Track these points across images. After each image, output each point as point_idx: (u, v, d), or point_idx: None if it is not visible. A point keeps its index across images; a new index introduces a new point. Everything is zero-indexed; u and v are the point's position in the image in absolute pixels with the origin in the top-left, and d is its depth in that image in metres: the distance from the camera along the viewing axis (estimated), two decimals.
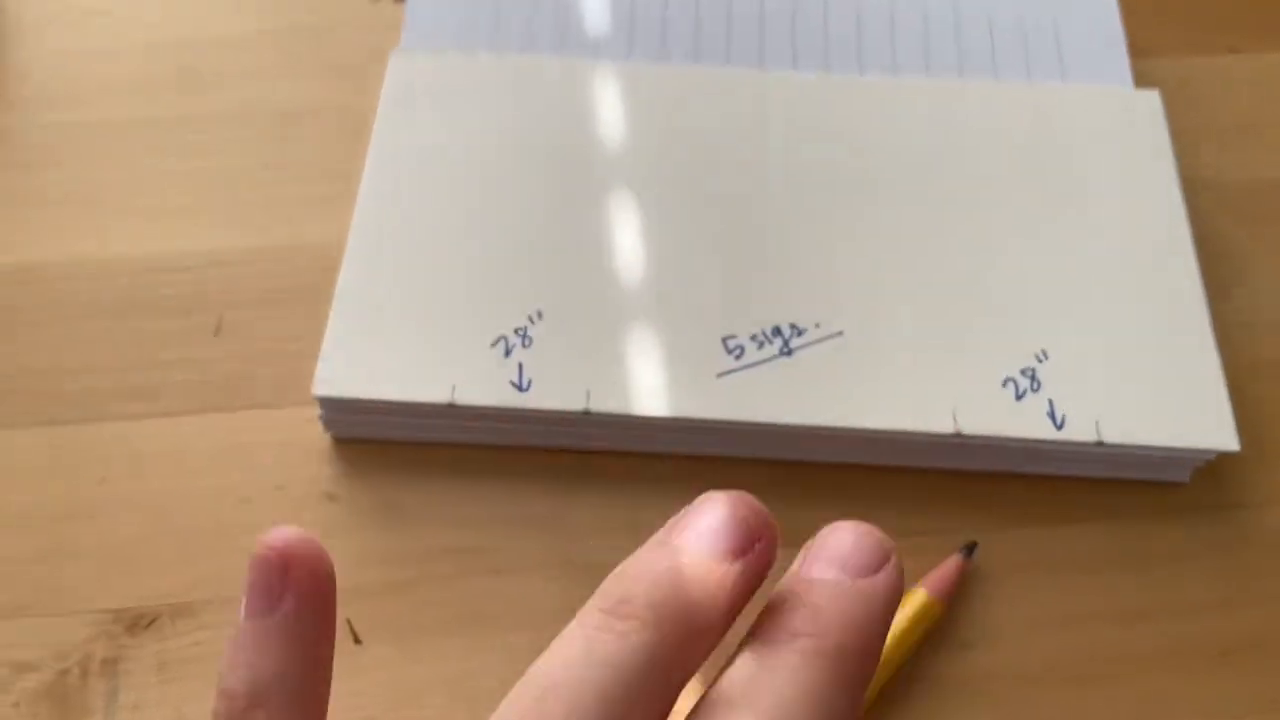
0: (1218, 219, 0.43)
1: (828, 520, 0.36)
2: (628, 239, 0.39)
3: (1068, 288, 0.38)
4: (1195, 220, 0.40)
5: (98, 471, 0.37)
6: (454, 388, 0.36)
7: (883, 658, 0.32)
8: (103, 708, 0.33)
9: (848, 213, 0.40)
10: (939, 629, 0.35)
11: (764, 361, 0.37)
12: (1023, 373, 0.36)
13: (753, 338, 0.37)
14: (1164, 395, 0.36)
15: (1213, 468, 0.37)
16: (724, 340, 0.37)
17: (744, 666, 0.20)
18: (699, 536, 0.21)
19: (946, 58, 0.44)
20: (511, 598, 0.35)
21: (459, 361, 0.36)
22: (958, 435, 0.35)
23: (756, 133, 0.41)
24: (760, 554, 0.21)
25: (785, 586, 0.21)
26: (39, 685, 0.33)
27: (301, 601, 0.21)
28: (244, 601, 0.21)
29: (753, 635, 0.20)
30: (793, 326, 0.37)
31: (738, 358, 0.37)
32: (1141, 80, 0.44)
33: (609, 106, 0.42)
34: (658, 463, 0.37)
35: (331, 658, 0.22)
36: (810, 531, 0.36)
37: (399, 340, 0.37)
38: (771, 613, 0.20)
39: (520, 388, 0.36)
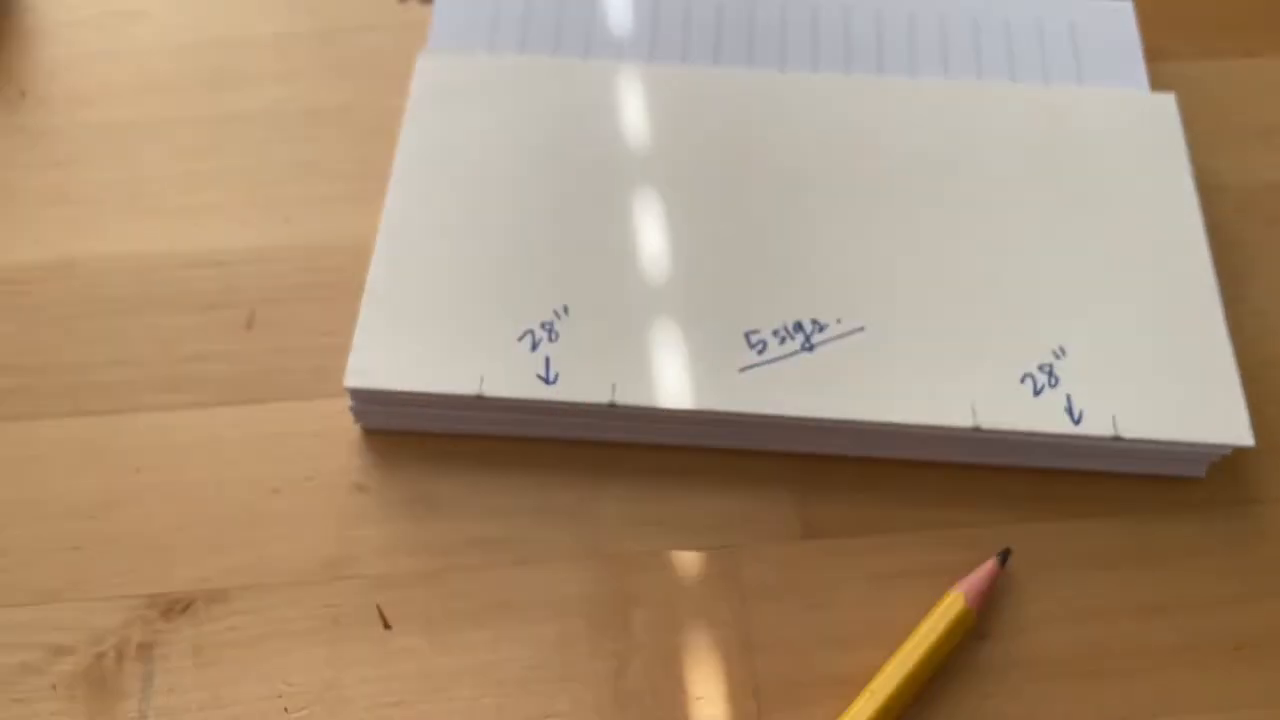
0: (1232, 220, 0.43)
1: (848, 513, 0.37)
2: (651, 236, 0.40)
3: (1085, 286, 0.39)
4: (1210, 221, 0.41)
5: (133, 461, 0.37)
6: (482, 380, 0.37)
7: (919, 661, 0.33)
8: (139, 691, 0.34)
9: (868, 211, 0.40)
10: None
11: (786, 356, 0.37)
12: (1040, 369, 0.37)
13: (775, 333, 0.38)
14: (1180, 391, 0.37)
15: (1228, 463, 0.37)
16: (746, 335, 0.38)
17: None
18: None
19: (964, 61, 0.45)
20: (538, 588, 0.36)
21: (487, 354, 0.37)
22: (976, 429, 0.36)
23: (777, 133, 0.42)
24: None
25: None
26: (75, 668, 0.34)
27: None
28: None
29: None
30: (814, 322, 0.38)
31: (760, 352, 0.37)
32: (1157, 83, 0.45)
33: (632, 107, 0.43)
34: (681, 455, 0.38)
35: None
36: (830, 525, 0.36)
37: (428, 333, 0.37)
38: None
39: (547, 380, 0.37)
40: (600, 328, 0.38)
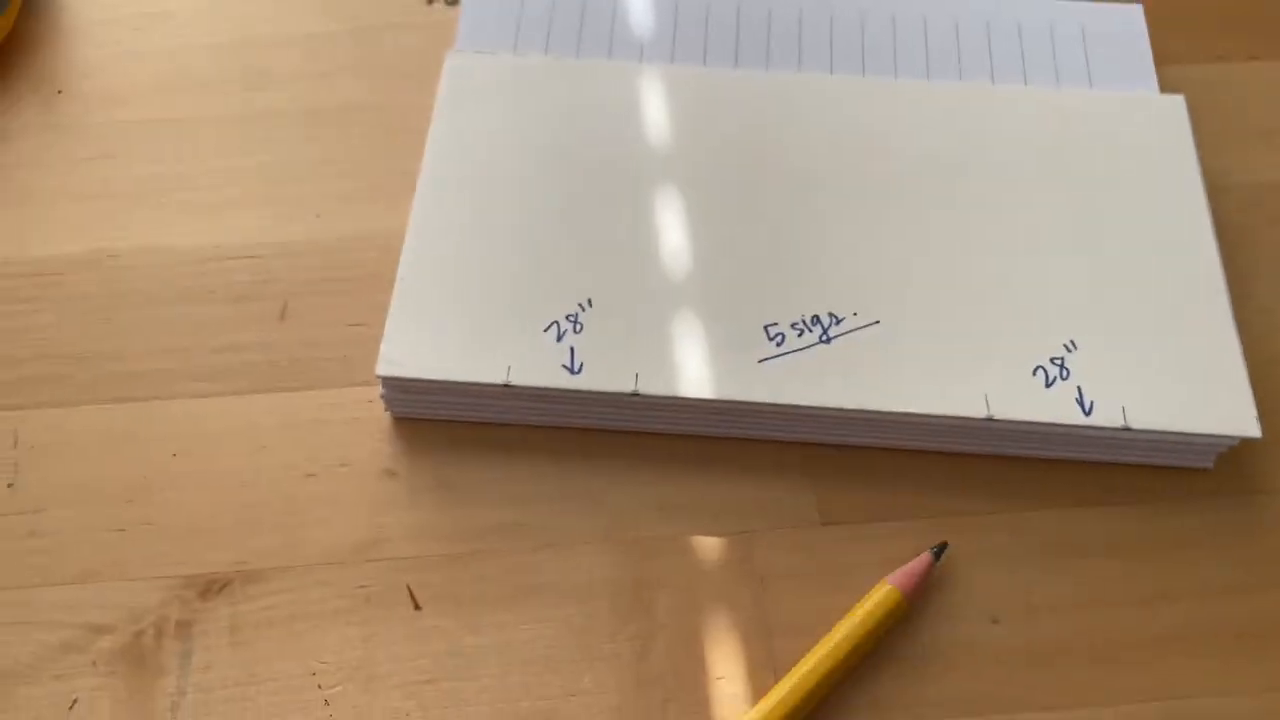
0: (1239, 219, 0.44)
1: (863, 501, 0.38)
2: (673, 232, 0.41)
3: (1096, 282, 0.40)
4: (1217, 220, 0.42)
5: (170, 447, 0.39)
6: (509, 369, 0.38)
7: (846, 642, 0.34)
8: (176, 668, 0.35)
9: (884, 208, 0.41)
10: (905, 622, 0.36)
11: (804, 348, 0.38)
12: (1052, 361, 0.38)
13: (793, 326, 0.39)
14: (1188, 384, 0.38)
15: (1235, 454, 0.39)
16: (765, 328, 0.39)
17: None
18: None
19: (977, 63, 0.46)
20: (563, 571, 0.37)
21: (514, 345, 0.38)
22: (990, 419, 0.37)
23: (795, 133, 0.43)
24: None
25: None
26: (115, 646, 0.35)
27: None
28: None
29: None
30: (831, 315, 0.39)
31: (779, 344, 0.39)
32: (1166, 86, 0.46)
33: (654, 107, 0.44)
34: (702, 444, 0.39)
35: None
36: (845, 512, 0.37)
37: (457, 325, 0.39)
38: None
39: (572, 370, 0.38)
40: (623, 320, 0.39)
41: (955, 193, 0.42)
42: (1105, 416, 0.37)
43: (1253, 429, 0.37)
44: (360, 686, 0.35)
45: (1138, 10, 0.48)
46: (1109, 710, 0.35)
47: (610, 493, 0.38)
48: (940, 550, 0.37)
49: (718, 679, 0.35)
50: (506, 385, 0.37)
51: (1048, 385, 0.38)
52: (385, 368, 0.38)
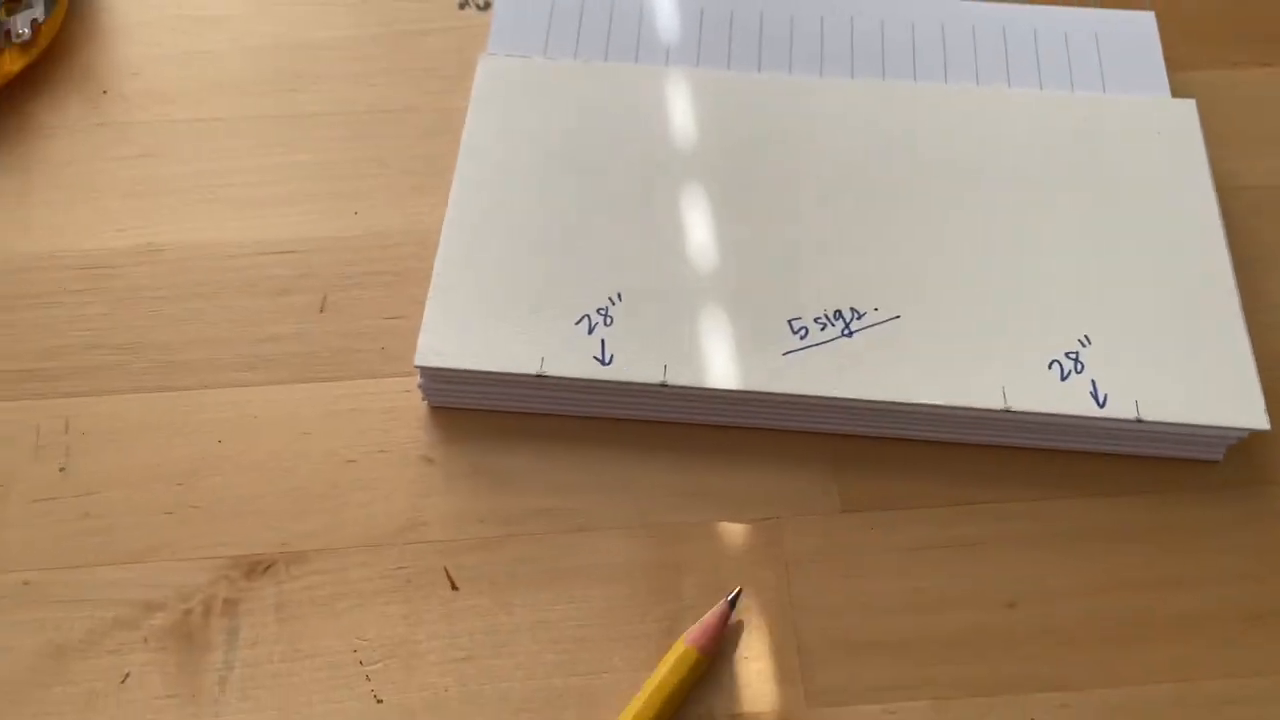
0: (1249, 220, 0.45)
1: (884, 489, 0.39)
2: (700, 228, 0.42)
3: (1109, 278, 0.41)
4: (1227, 221, 0.43)
5: (216, 433, 0.40)
6: (542, 360, 0.39)
7: (650, 707, 0.34)
8: (224, 644, 0.36)
9: (904, 207, 0.43)
10: (706, 677, 0.36)
11: (826, 342, 0.40)
12: (1067, 355, 0.39)
13: (816, 320, 0.40)
14: (1199, 378, 0.39)
15: (1245, 446, 0.40)
16: (789, 322, 0.40)
17: None
18: None
19: (995, 68, 0.48)
20: (594, 554, 0.38)
21: (547, 337, 0.40)
22: (1007, 411, 0.38)
23: (817, 134, 0.45)
24: None
25: None
26: (165, 623, 0.37)
27: None
28: None
29: None
30: (853, 310, 0.40)
31: (802, 338, 0.40)
32: (1178, 91, 0.47)
33: (680, 108, 0.45)
34: (728, 434, 0.40)
35: None
36: (867, 500, 0.39)
37: (492, 317, 0.40)
38: None
39: (603, 361, 0.39)
40: (652, 314, 0.40)
41: (973, 192, 0.43)
42: (1119, 409, 0.38)
43: (1261, 422, 0.38)
44: (401, 663, 0.36)
45: (1150, 17, 0.49)
46: (1123, 691, 0.36)
47: (639, 480, 0.39)
48: (735, 598, 0.37)
49: (743, 658, 0.36)
50: (540, 375, 0.39)
51: (1063, 378, 0.39)
52: (424, 358, 0.39)
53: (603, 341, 0.40)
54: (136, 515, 0.38)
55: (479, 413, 0.40)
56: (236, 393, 0.41)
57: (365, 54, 0.49)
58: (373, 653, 0.36)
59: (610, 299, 0.41)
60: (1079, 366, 0.39)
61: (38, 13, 0.47)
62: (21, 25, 0.47)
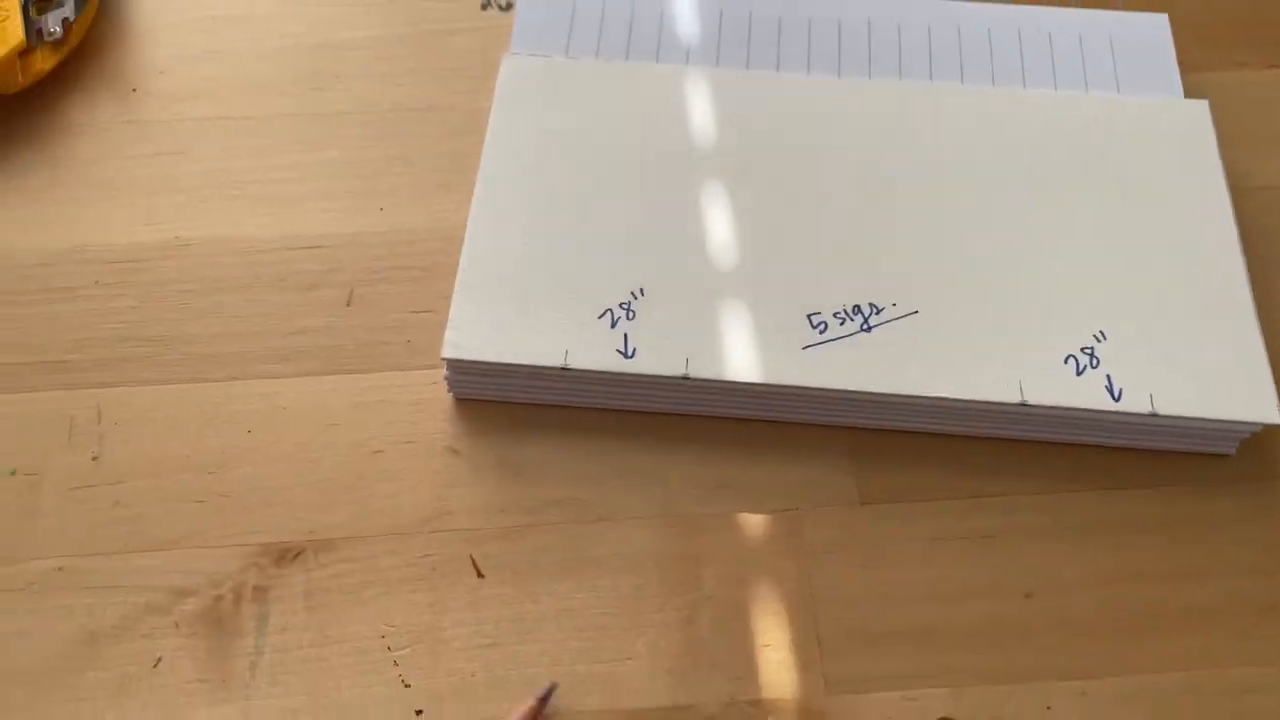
0: (1260, 219, 0.46)
1: (902, 482, 0.40)
2: (720, 225, 0.43)
3: (1124, 275, 0.42)
4: (1239, 220, 0.44)
5: (245, 424, 0.41)
6: (566, 353, 0.40)
7: None
8: (254, 629, 0.37)
9: (922, 205, 0.43)
10: None
11: (845, 336, 0.40)
12: (1083, 350, 0.40)
13: (835, 314, 0.41)
14: (1213, 373, 0.40)
15: (1257, 440, 0.40)
16: (809, 316, 0.41)
17: None
18: None
19: (1010, 69, 0.48)
20: (616, 544, 0.39)
21: (571, 331, 0.40)
22: (1024, 405, 0.39)
23: (835, 133, 0.45)
24: None
25: None
26: (196, 608, 0.37)
27: None
28: None
29: None
30: (872, 305, 0.41)
31: (821, 332, 0.41)
32: (1190, 93, 0.48)
33: (700, 107, 0.46)
34: (748, 427, 0.41)
35: None
36: (885, 492, 0.39)
37: (516, 311, 0.41)
38: None
39: (626, 354, 0.40)
40: (673, 308, 0.41)
41: (989, 190, 0.44)
42: (1134, 402, 0.39)
43: (1273, 416, 0.39)
44: (427, 649, 0.37)
45: (1163, 20, 0.50)
46: (1139, 679, 0.37)
47: (661, 471, 0.40)
48: (548, 693, 0.36)
49: (763, 646, 0.37)
50: (564, 368, 0.40)
51: (1078, 373, 0.40)
52: (450, 350, 0.40)
53: (625, 335, 0.40)
54: (168, 503, 0.39)
55: (503, 405, 0.41)
56: (265, 384, 0.42)
57: (390, 54, 0.50)
58: (400, 639, 0.37)
59: (632, 294, 0.41)
60: (1094, 361, 0.40)
61: (68, 12, 0.48)
62: (53, 24, 0.48)
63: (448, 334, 0.40)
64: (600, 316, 0.41)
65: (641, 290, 0.41)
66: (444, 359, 0.40)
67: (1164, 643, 0.37)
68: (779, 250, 0.42)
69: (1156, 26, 0.50)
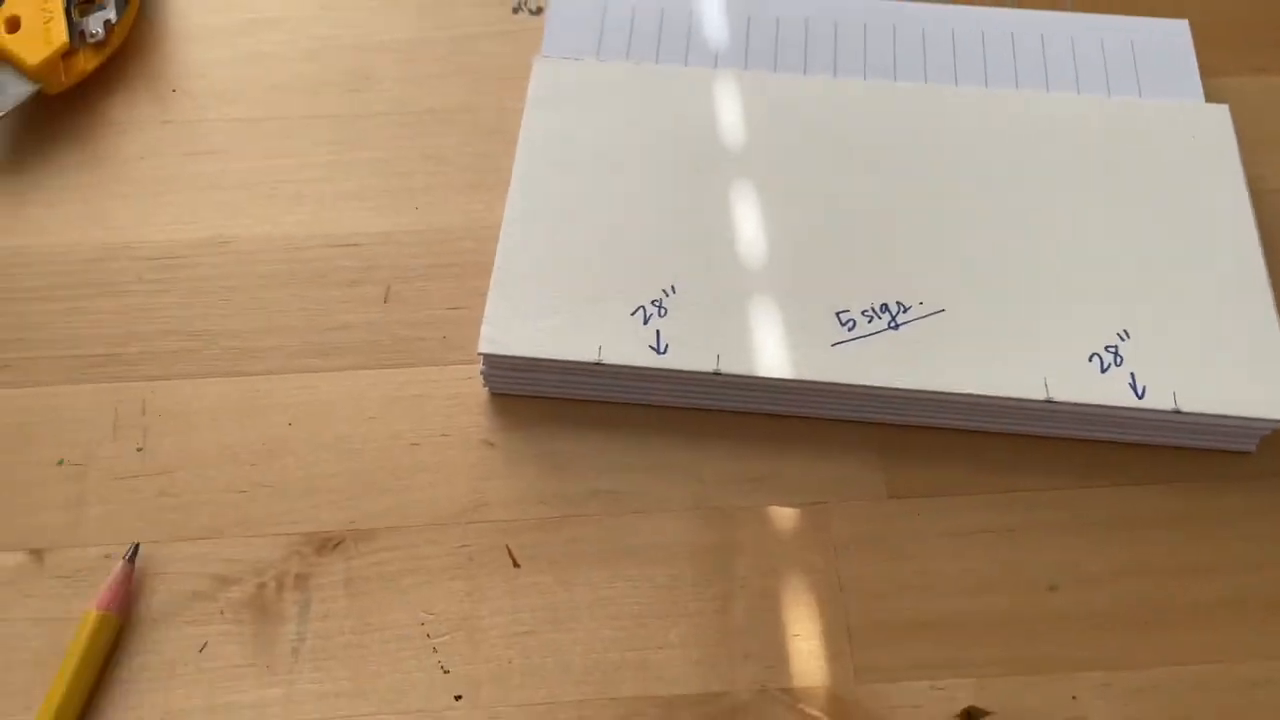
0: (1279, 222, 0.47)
1: (929, 477, 0.40)
2: (749, 225, 0.44)
3: (1147, 276, 0.43)
4: (1259, 222, 0.44)
5: (286, 417, 0.42)
6: (600, 348, 0.41)
7: (73, 678, 0.35)
8: (297, 616, 0.38)
9: (947, 205, 0.44)
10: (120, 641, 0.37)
11: (873, 334, 0.41)
12: (1107, 349, 0.41)
13: (863, 312, 0.42)
14: (1234, 371, 0.40)
15: (1277, 438, 0.41)
16: (837, 314, 0.42)
17: None
18: None
19: (1033, 73, 0.49)
20: (650, 535, 0.40)
21: (603, 327, 0.41)
22: (1049, 402, 0.40)
23: (862, 134, 0.46)
24: None
25: None
26: (241, 595, 0.38)
27: None
28: None
29: None
30: (899, 304, 0.42)
31: (850, 330, 0.41)
32: (1211, 97, 0.48)
33: (729, 109, 0.47)
34: (778, 422, 0.42)
35: None
36: (912, 487, 0.40)
37: (551, 308, 0.42)
38: None
39: (658, 350, 0.41)
40: (704, 306, 0.42)
41: (1013, 192, 0.45)
42: (1157, 400, 0.40)
43: None
44: (466, 636, 0.38)
45: (1184, 26, 0.51)
46: (1160, 671, 0.37)
47: (694, 465, 0.41)
48: (133, 554, 0.38)
49: (794, 636, 0.38)
50: (598, 363, 0.40)
51: (1103, 370, 0.40)
52: (486, 345, 0.41)
53: (657, 332, 0.41)
54: (211, 493, 0.40)
55: (537, 400, 0.42)
56: (305, 378, 0.42)
57: (422, 57, 0.51)
58: (439, 626, 0.38)
59: (664, 291, 0.42)
60: (1118, 359, 0.41)
61: (110, 14, 0.49)
62: (95, 26, 0.49)
63: (484, 329, 0.41)
64: (633, 313, 0.42)
65: (673, 288, 0.42)
66: (480, 354, 0.41)
67: (1186, 635, 0.38)
68: (807, 249, 0.43)
69: (1177, 32, 0.50)
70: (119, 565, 0.38)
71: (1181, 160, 0.46)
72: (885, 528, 0.40)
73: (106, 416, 0.42)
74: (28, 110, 0.48)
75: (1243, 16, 0.53)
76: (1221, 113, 0.47)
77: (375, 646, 0.38)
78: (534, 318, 0.41)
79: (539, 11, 0.52)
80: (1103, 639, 0.38)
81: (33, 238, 0.46)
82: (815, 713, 0.37)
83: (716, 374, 0.40)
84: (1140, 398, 0.40)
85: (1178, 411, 0.40)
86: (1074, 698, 0.37)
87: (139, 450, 0.41)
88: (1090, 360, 0.41)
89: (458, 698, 0.37)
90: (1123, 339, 0.41)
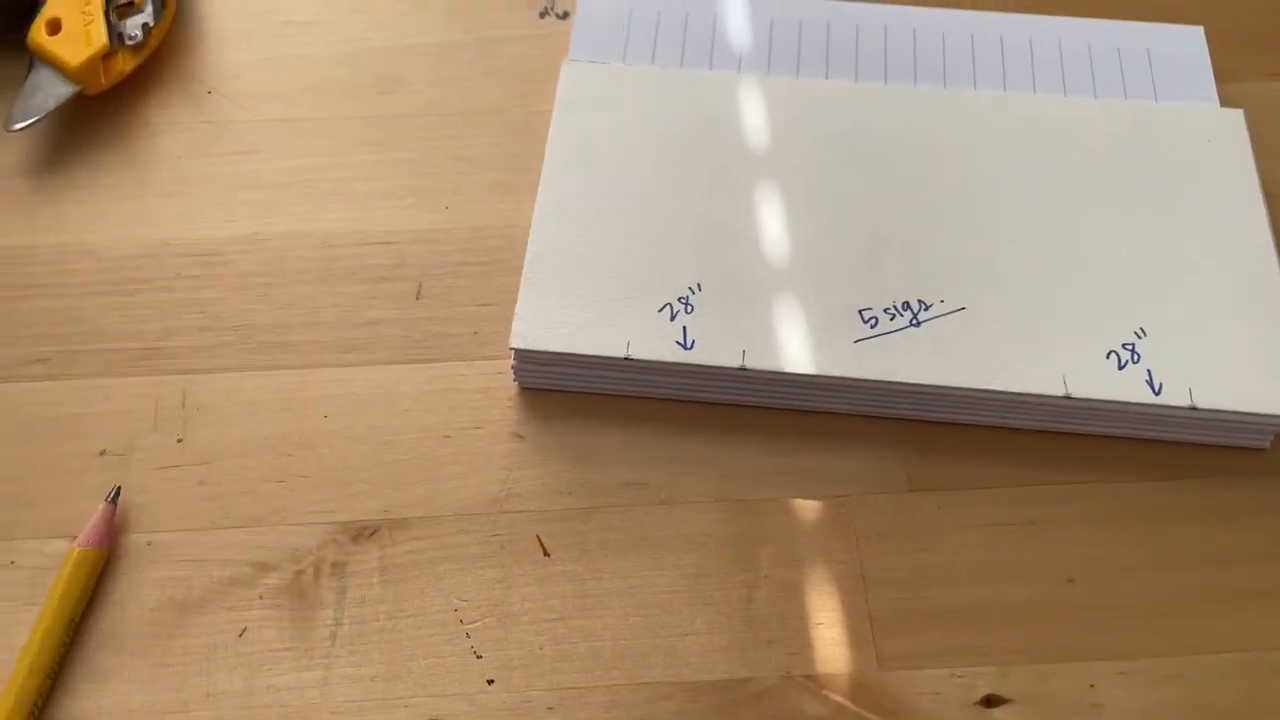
0: None
1: (950, 471, 0.41)
2: (773, 224, 0.45)
3: (1163, 276, 0.43)
4: (1274, 223, 0.45)
5: (321, 409, 0.43)
6: (628, 344, 0.42)
7: (58, 612, 0.37)
8: (334, 602, 0.39)
9: (967, 206, 0.45)
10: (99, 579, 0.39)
11: (895, 331, 0.42)
12: (1124, 346, 0.42)
13: (885, 310, 0.43)
14: (1249, 369, 0.41)
15: None
16: (860, 312, 0.43)
17: None
18: None
19: (1051, 78, 0.50)
20: (677, 526, 0.41)
21: (632, 323, 0.42)
22: (1068, 398, 0.41)
23: (883, 137, 0.47)
24: None
25: None
26: (279, 582, 0.39)
27: None
28: None
29: None
30: (920, 302, 0.43)
31: (872, 327, 0.42)
32: (1226, 103, 0.49)
33: (753, 112, 0.48)
34: (802, 417, 0.43)
35: None
36: (933, 480, 0.41)
37: (580, 304, 0.43)
38: None
39: (685, 346, 0.42)
40: (730, 303, 0.43)
41: (1032, 193, 0.46)
42: (1174, 396, 0.41)
43: None
44: (497, 622, 0.39)
45: (1199, 32, 0.52)
46: (1177, 660, 0.38)
47: (719, 458, 0.42)
48: (115, 495, 0.40)
49: (817, 624, 0.39)
50: (627, 358, 0.41)
51: (1120, 368, 0.41)
52: (518, 340, 0.42)
53: (684, 328, 0.42)
54: (249, 483, 0.41)
55: (566, 394, 0.43)
56: (340, 372, 0.44)
57: (452, 59, 0.52)
58: (472, 612, 0.39)
59: (690, 288, 0.43)
60: (1135, 357, 0.41)
61: (148, 17, 0.51)
62: (133, 28, 0.50)
63: (515, 324, 0.42)
64: (660, 310, 0.43)
65: (699, 285, 0.43)
66: (511, 348, 0.42)
67: (1203, 626, 0.39)
68: (830, 248, 0.44)
69: (1193, 38, 0.51)
70: (101, 506, 0.40)
71: (1197, 163, 0.47)
72: (907, 520, 0.41)
73: (147, 408, 0.43)
74: (68, 111, 0.49)
75: (1258, 23, 0.54)
76: (1236, 117, 0.48)
77: (409, 632, 0.39)
78: (564, 314, 0.42)
79: (565, 16, 0.53)
80: (1121, 629, 0.39)
81: (73, 235, 0.47)
82: (839, 698, 0.38)
83: (742, 370, 0.41)
84: (1157, 394, 0.41)
85: (1193, 408, 0.40)
86: (1092, 686, 0.38)
87: (179, 441, 0.42)
88: (1108, 358, 0.42)
89: (490, 682, 0.38)
90: (1140, 337, 0.42)
